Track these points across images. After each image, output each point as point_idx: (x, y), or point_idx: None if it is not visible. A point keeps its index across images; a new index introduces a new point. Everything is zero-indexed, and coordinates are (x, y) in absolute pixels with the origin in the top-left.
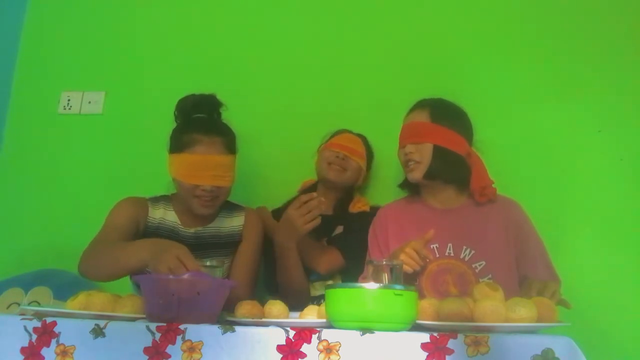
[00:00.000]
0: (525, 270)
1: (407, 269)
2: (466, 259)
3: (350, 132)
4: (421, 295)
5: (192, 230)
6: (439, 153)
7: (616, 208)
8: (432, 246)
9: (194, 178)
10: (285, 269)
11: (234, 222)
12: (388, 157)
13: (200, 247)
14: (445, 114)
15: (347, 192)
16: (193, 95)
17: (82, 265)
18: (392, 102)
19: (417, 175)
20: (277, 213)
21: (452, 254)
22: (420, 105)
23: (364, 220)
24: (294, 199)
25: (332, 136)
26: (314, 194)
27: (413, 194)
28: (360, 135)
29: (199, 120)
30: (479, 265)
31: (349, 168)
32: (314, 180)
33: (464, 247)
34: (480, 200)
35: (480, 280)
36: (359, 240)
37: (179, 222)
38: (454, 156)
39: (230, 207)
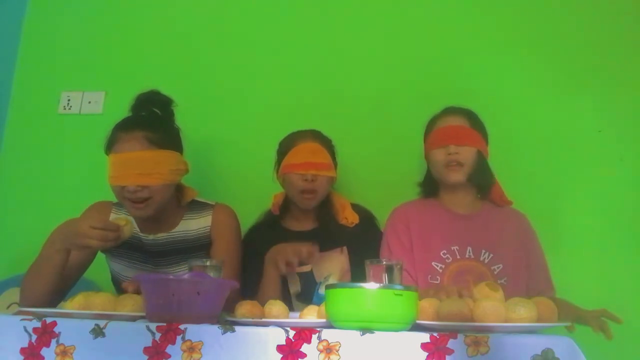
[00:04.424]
0: (528, 278)
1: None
2: (485, 261)
3: (303, 137)
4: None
5: (150, 237)
6: (480, 158)
7: (616, 208)
8: (452, 248)
9: (117, 179)
10: (262, 284)
11: (201, 223)
12: (386, 159)
13: (165, 254)
14: (478, 122)
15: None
16: (138, 94)
17: (22, 296)
18: (391, 103)
19: (460, 177)
20: (253, 231)
21: (472, 257)
22: (454, 111)
23: (364, 233)
24: (268, 215)
25: (289, 148)
26: (314, 249)
27: (429, 196)
28: (314, 135)
29: (126, 117)
30: (497, 267)
31: (319, 187)
32: (283, 193)
33: (483, 251)
34: (501, 204)
35: (498, 281)
36: (370, 256)
37: (138, 230)
38: (487, 163)
39: (197, 207)
